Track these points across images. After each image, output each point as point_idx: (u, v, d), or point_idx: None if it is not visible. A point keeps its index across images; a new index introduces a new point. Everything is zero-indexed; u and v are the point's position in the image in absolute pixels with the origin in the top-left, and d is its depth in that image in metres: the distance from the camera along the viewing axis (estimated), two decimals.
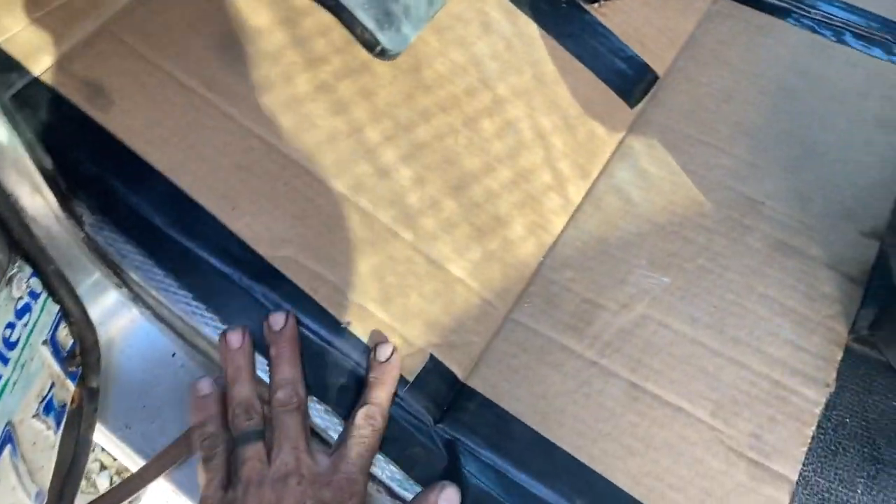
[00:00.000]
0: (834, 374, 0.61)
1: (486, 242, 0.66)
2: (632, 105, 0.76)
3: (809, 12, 0.83)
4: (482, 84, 0.72)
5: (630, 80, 0.77)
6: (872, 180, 0.71)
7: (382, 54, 0.51)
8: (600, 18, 0.79)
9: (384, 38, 0.45)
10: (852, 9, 0.83)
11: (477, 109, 0.71)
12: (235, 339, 0.56)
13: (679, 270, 0.66)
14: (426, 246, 0.64)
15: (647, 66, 0.78)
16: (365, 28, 0.46)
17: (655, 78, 0.78)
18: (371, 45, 0.51)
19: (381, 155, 0.66)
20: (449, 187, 0.67)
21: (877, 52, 0.80)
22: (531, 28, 0.76)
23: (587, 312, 0.65)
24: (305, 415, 0.55)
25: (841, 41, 0.81)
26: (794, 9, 0.83)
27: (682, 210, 0.70)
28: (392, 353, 0.57)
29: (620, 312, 0.64)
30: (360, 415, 0.54)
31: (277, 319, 0.56)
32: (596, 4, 0.79)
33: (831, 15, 0.82)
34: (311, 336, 0.58)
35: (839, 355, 0.62)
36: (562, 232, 0.69)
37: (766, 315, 0.63)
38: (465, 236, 0.66)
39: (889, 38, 0.80)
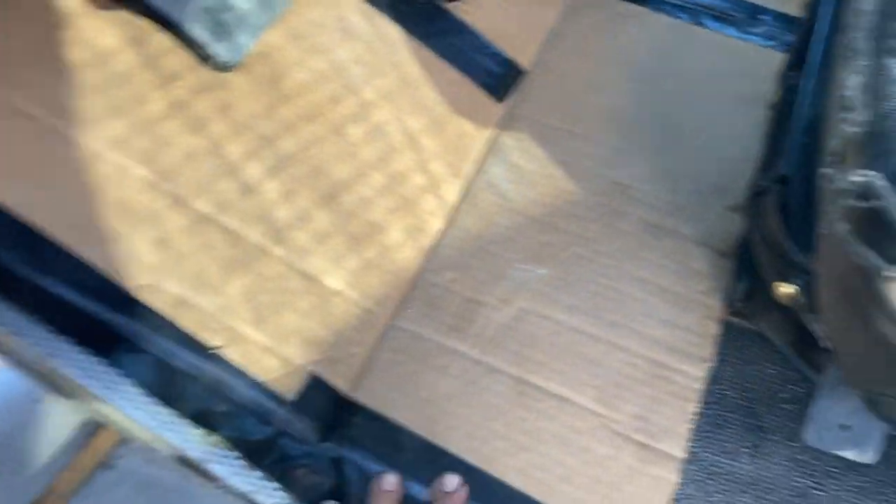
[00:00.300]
0: (711, 349, 0.63)
1: (363, 251, 0.65)
2: (499, 100, 0.76)
3: None
4: (346, 90, 0.71)
5: (496, 76, 0.77)
6: (735, 156, 0.73)
7: (220, 66, 0.49)
8: (461, 16, 0.79)
9: (219, 50, 0.43)
10: None
11: (343, 116, 0.70)
12: (390, 482, 0.55)
13: (554, 261, 0.66)
14: (299, 260, 0.63)
15: (511, 61, 0.78)
16: (197, 42, 0.44)
17: (521, 72, 0.78)
18: (206, 57, 0.49)
19: (245, 170, 0.64)
20: (320, 198, 0.66)
21: (732, 31, 0.82)
22: (392, 30, 0.75)
23: (469, 311, 0.64)
24: None
25: (698, 23, 0.83)
26: None
27: (554, 201, 0.70)
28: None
29: (501, 308, 0.64)
30: None
31: (452, 481, 0.55)
32: (457, 2, 0.79)
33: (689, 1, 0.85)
34: (180, 364, 0.56)
35: (715, 330, 0.63)
36: (440, 233, 0.68)
37: (642, 296, 0.64)
38: (341, 246, 0.64)
39: (742, 16, 0.83)
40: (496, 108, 0.76)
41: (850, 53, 0.39)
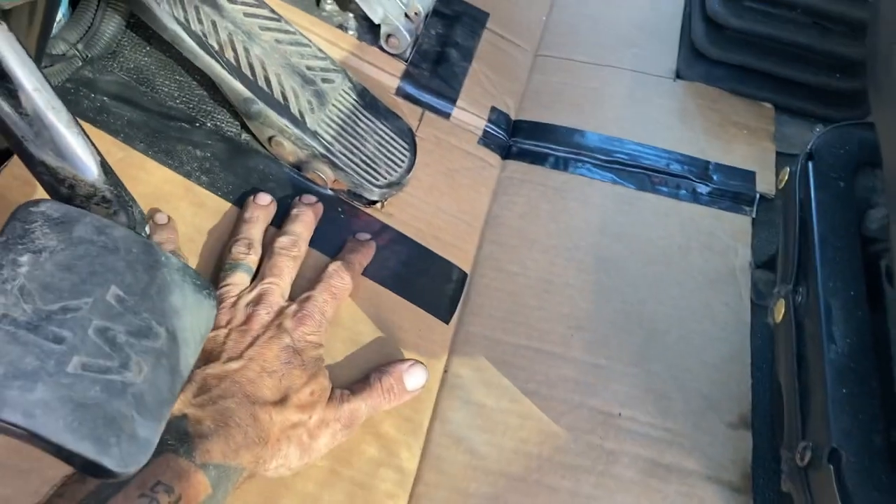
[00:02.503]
0: None
1: None
2: (447, 320, 0.64)
3: (603, 160, 0.76)
4: None
5: (437, 290, 0.65)
6: (721, 354, 0.64)
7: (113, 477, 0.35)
8: (386, 220, 0.67)
9: (111, 460, 0.30)
10: (645, 148, 0.77)
11: None
12: (264, 198, 0.63)
13: None
14: None
15: (450, 264, 0.67)
16: (78, 455, 0.30)
17: (464, 276, 0.67)
18: (96, 472, 0.35)
19: None
20: None
21: (683, 193, 0.74)
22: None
23: None
24: (295, 270, 0.59)
25: (644, 189, 0.75)
26: (585, 158, 0.76)
27: (536, 450, 0.59)
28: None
29: None
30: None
31: (310, 197, 0.65)
32: (377, 206, 0.67)
33: (627, 159, 0.76)
34: None
35: None
36: None
37: None
38: None
39: (690, 176, 0.75)
40: (445, 330, 0.64)
41: None
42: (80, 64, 0.64)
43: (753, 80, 0.81)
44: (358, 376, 0.58)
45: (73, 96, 0.62)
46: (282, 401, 0.50)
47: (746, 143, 0.78)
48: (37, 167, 0.38)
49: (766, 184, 0.75)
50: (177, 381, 0.36)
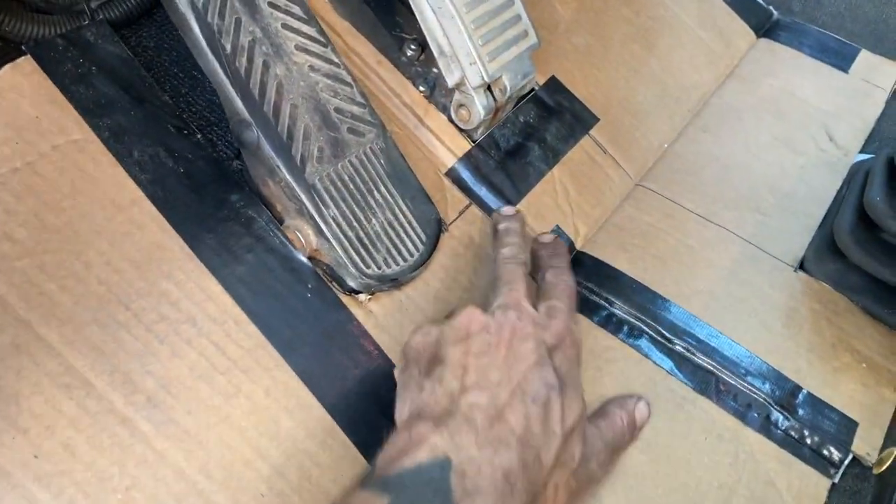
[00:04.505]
0: None
1: None
2: None
3: (667, 339, 0.59)
4: None
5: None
6: None
7: None
8: (363, 319, 0.53)
9: None
10: (726, 343, 0.59)
11: None
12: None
13: None
14: None
15: None
16: None
17: None
18: None
19: None
20: None
21: (752, 417, 0.56)
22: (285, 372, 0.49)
23: None
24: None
25: (704, 393, 0.57)
26: (647, 328, 0.59)
27: None
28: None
29: None
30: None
31: (509, 209, 0.61)
32: (360, 297, 0.53)
33: (697, 348, 0.58)
34: None
35: None
36: None
37: None
38: None
39: (769, 398, 0.57)
40: None
41: None
42: (85, 22, 0.54)
43: None
44: None
45: (57, 55, 0.52)
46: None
47: (861, 381, 0.58)
48: None
49: (868, 444, 0.55)
50: None
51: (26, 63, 0.51)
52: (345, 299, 0.53)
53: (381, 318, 0.53)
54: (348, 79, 0.55)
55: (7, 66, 0.50)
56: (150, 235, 0.49)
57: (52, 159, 0.49)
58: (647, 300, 0.61)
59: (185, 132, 0.53)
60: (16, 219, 0.46)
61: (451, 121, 0.63)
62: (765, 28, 0.88)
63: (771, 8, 0.90)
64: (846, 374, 0.59)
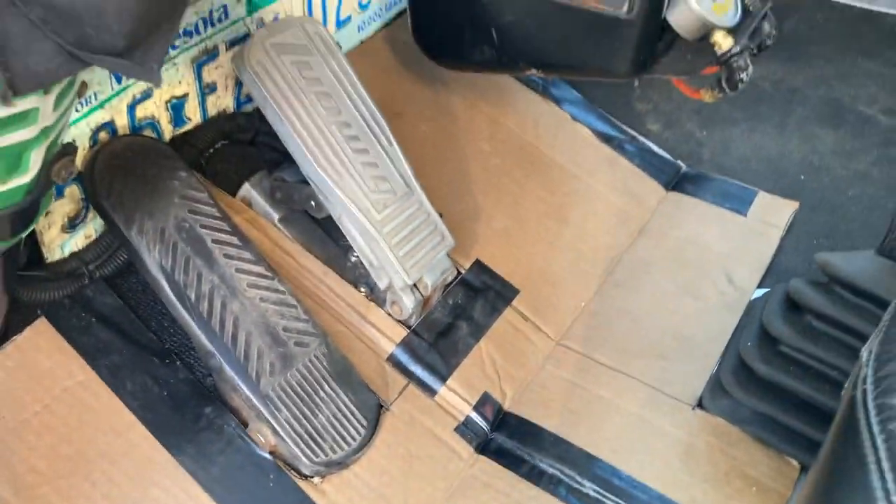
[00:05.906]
0: None
1: None
2: None
3: (580, 483, 0.69)
4: None
5: None
6: None
7: None
8: (318, 499, 0.65)
9: None
10: (632, 484, 0.70)
11: None
12: None
13: None
14: None
15: None
16: None
17: None
18: None
19: None
20: None
21: None
22: None
23: None
24: None
25: None
26: (565, 477, 0.70)
27: None
28: None
29: None
30: None
31: None
32: (313, 480, 0.66)
33: (606, 492, 0.69)
34: None
35: None
36: None
37: None
38: None
39: None
40: None
41: None
42: (86, 283, 0.69)
43: (784, 432, 0.72)
44: None
45: (64, 312, 0.67)
46: None
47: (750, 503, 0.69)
48: None
49: None
50: None
51: (41, 324, 0.66)
52: (301, 484, 0.65)
53: (332, 496, 0.65)
54: (293, 301, 0.70)
55: (28, 330, 0.65)
56: (142, 452, 0.63)
57: (62, 399, 0.63)
58: (563, 451, 0.72)
59: (167, 360, 0.68)
60: (37, 453, 0.60)
61: (389, 314, 0.77)
62: (674, 182, 1.01)
63: (679, 162, 1.03)
64: (737, 499, 0.69)
